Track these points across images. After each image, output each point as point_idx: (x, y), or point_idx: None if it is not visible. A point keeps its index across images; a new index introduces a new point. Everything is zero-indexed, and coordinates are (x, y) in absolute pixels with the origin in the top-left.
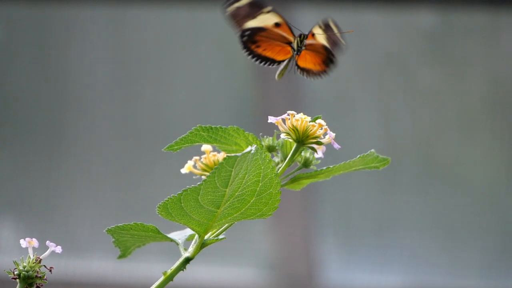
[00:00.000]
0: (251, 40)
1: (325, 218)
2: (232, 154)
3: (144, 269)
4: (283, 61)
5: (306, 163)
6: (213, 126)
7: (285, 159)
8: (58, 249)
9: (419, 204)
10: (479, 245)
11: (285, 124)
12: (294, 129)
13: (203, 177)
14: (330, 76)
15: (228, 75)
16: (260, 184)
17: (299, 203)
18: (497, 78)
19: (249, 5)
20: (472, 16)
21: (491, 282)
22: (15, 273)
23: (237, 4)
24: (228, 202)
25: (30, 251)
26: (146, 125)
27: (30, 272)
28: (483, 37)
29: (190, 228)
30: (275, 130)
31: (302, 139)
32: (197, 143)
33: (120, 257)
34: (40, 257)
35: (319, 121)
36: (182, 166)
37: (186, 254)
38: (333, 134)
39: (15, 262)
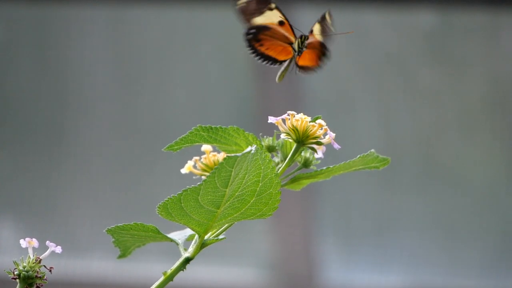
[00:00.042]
0: (255, 38)
1: (325, 218)
2: (232, 154)
3: (144, 269)
4: (284, 61)
5: (306, 163)
6: (213, 126)
7: (285, 159)
8: (58, 249)
9: (419, 204)
10: (479, 245)
11: (285, 124)
12: (294, 129)
13: (203, 177)
14: (330, 76)
15: (228, 75)
16: (260, 184)
17: (299, 203)
18: (497, 78)
19: (257, 0)
20: (472, 16)
21: (491, 282)
22: (15, 273)
23: None
24: (228, 202)
25: (30, 251)
26: (146, 125)
27: (30, 272)
28: (483, 37)
29: (190, 228)
30: (275, 130)
31: (302, 139)
32: (197, 143)
33: (120, 257)
34: (40, 257)
35: (319, 121)
36: (182, 166)
37: (186, 254)
38: (333, 134)
39: (15, 262)
